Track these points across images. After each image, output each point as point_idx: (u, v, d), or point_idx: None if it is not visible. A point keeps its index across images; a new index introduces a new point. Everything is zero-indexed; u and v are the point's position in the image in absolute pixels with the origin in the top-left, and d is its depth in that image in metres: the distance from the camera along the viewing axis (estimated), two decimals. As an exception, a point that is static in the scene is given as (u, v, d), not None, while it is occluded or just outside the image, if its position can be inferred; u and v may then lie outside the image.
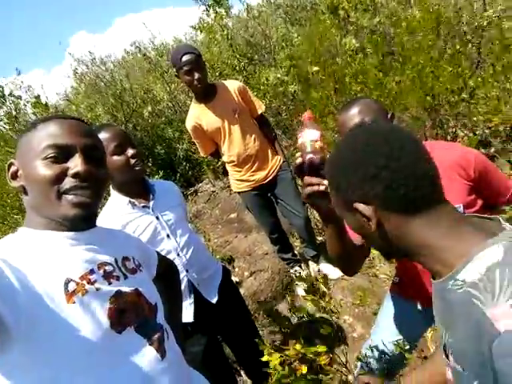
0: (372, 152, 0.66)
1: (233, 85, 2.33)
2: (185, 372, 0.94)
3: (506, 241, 0.57)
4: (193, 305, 1.55)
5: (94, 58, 5.23)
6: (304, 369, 1.08)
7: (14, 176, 0.82)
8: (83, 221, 0.81)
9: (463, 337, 0.58)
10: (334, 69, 2.57)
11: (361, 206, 0.67)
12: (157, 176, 4.24)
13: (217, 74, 4.72)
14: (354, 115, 1.19)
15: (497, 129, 2.96)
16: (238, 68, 4.43)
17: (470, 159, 1.18)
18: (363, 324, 2.35)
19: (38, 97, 3.43)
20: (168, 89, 5.34)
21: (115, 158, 1.36)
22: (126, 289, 0.83)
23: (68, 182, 0.77)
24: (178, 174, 4.56)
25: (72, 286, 0.73)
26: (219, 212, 3.99)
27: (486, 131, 3.32)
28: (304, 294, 2.63)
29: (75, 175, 0.78)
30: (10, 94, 3.55)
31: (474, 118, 2.94)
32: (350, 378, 1.57)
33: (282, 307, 2.70)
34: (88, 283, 0.76)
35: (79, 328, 0.71)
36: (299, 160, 0.89)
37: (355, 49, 3.77)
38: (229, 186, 4.04)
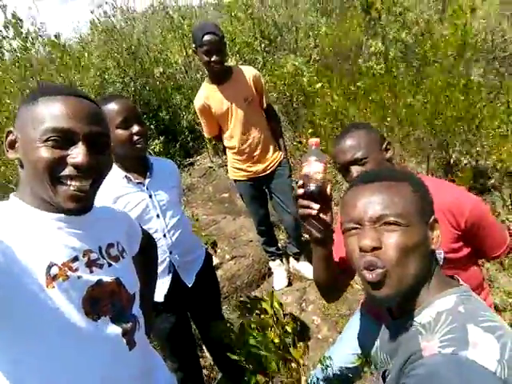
0: None
1: (249, 72, 2.29)
2: (148, 359, 0.96)
3: (458, 294, 0.69)
4: (167, 284, 1.57)
5: (115, 7, 5.05)
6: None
7: (12, 146, 0.78)
8: (78, 213, 0.79)
9: (397, 364, 0.69)
10: (343, 83, 2.53)
11: (436, 219, 0.76)
12: (157, 141, 4.21)
13: (235, 49, 4.62)
14: (345, 150, 1.19)
15: (497, 164, 2.98)
16: (258, 49, 4.33)
17: (464, 209, 1.10)
18: (329, 327, 2.43)
19: (56, 37, 3.26)
20: (184, 53, 5.22)
21: (119, 131, 1.35)
22: (107, 278, 0.83)
23: (66, 170, 0.74)
24: (179, 143, 4.52)
25: (54, 271, 0.73)
26: (212, 189, 4.00)
27: (488, 162, 3.35)
28: (278, 287, 2.72)
29: (75, 165, 0.74)
30: (28, 33, 3.36)
31: (478, 149, 2.96)
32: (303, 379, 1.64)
33: (256, 295, 2.78)
34: (70, 270, 0.76)
35: (55, 312, 0.71)
36: (301, 191, 0.91)
37: (379, 52, 3.72)
38: (226, 165, 4.02)
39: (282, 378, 1.54)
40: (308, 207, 0.90)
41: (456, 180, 2.47)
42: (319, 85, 2.99)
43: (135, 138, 1.37)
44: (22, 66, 3.17)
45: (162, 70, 5.13)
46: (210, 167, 4.38)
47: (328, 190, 0.91)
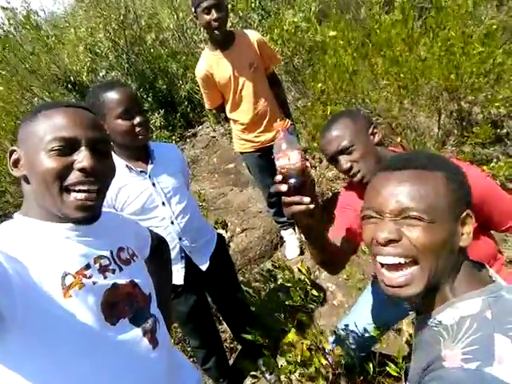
0: None
1: (253, 35, 2.14)
2: (173, 358, 0.97)
3: (484, 296, 0.62)
4: (184, 269, 1.58)
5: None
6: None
7: (16, 164, 0.80)
8: (86, 223, 0.79)
9: (418, 367, 0.65)
10: (355, 35, 2.34)
11: (471, 214, 0.69)
12: (156, 114, 4.09)
13: (229, 7, 4.34)
14: (330, 141, 1.18)
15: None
16: (253, 5, 4.05)
17: None
18: (344, 292, 2.45)
19: (28, 16, 3.09)
20: (175, 16, 4.93)
21: (120, 122, 1.29)
22: (121, 281, 0.84)
23: (73, 177, 0.75)
24: (179, 114, 4.39)
25: (69, 280, 0.74)
26: (217, 160, 3.93)
27: (502, 111, 3.20)
28: (291, 257, 2.73)
29: (81, 170, 0.75)
30: (3, 8, 3.19)
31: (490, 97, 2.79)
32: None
33: (269, 266, 2.79)
34: (84, 277, 0.77)
35: (75, 321, 0.72)
36: (284, 188, 0.82)
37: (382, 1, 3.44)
38: (229, 133, 3.92)
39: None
40: (298, 203, 0.82)
41: (471, 136, 2.35)
42: (333, 33, 2.69)
43: (137, 129, 1.32)
44: (6, 48, 3.02)
45: (154, 36, 4.88)
46: (213, 137, 4.28)
47: (309, 175, 0.84)
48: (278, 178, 0.83)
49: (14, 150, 0.80)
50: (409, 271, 0.65)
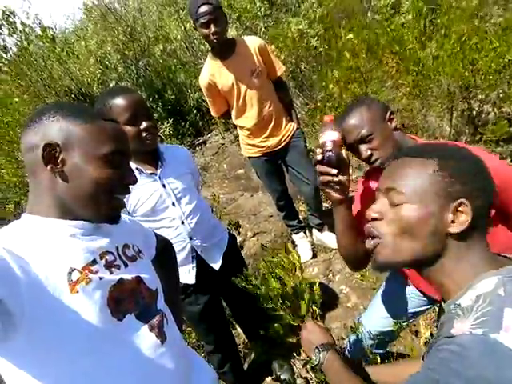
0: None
1: (253, 42, 2.15)
2: (185, 355, 0.96)
3: (501, 275, 0.65)
4: (195, 268, 1.57)
5: (106, -13, 4.85)
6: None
7: (53, 160, 0.76)
8: (114, 221, 0.85)
9: (432, 342, 0.70)
10: (368, 36, 2.33)
11: (465, 203, 0.69)
12: (166, 123, 4.14)
13: (235, 16, 4.40)
14: (349, 130, 1.19)
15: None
16: (259, 13, 4.10)
17: None
18: (359, 294, 2.41)
19: (45, 29, 3.20)
20: (183, 27, 5.02)
21: (127, 127, 1.29)
22: (127, 276, 0.83)
23: (120, 189, 0.83)
24: (188, 123, 4.44)
25: (75, 276, 0.73)
26: (227, 166, 3.94)
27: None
28: (303, 260, 2.69)
29: (130, 184, 0.84)
30: (22, 24, 3.29)
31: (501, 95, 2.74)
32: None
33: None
34: (91, 273, 0.76)
35: (82, 316, 0.72)
36: (319, 156, 1.01)
37: (389, 4, 3.44)
38: (238, 139, 3.94)
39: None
40: (327, 173, 0.99)
41: (486, 133, 2.31)
42: (350, 36, 2.65)
43: (144, 134, 1.32)
44: (22, 62, 3.10)
45: (162, 47, 4.97)
46: (222, 144, 4.30)
47: (343, 154, 1.01)
48: (318, 151, 1.02)
49: (51, 145, 0.75)
50: (375, 240, 0.76)
